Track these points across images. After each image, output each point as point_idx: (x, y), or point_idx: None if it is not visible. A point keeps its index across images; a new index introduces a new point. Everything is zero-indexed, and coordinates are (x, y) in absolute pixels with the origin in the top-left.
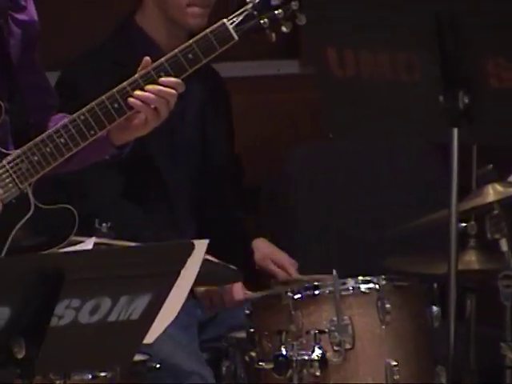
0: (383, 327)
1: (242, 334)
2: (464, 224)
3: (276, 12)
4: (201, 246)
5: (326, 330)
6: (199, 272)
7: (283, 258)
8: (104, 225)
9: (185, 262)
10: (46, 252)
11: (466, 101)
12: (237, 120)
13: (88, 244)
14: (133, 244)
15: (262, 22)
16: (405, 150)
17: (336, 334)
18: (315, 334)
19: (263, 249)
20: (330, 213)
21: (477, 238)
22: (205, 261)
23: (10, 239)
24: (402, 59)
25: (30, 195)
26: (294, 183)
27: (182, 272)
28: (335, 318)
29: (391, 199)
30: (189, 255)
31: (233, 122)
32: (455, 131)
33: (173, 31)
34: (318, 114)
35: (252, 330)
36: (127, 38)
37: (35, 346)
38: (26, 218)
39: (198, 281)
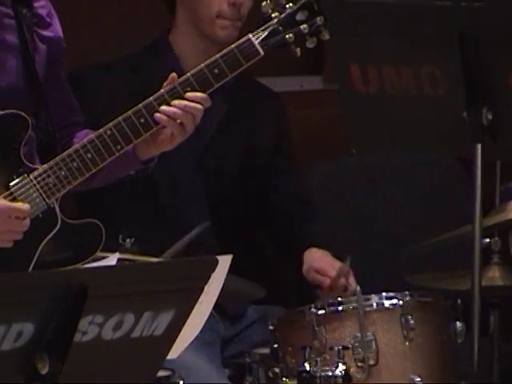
0: (407, 343)
1: (266, 350)
2: (488, 240)
3: (301, 27)
4: (224, 261)
5: (350, 346)
6: (222, 287)
7: (323, 263)
8: (128, 240)
9: (208, 278)
10: (69, 268)
11: (490, 117)
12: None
13: (112, 259)
14: (156, 259)
15: (287, 37)
16: (428, 166)
17: (360, 349)
18: (339, 349)
19: (308, 260)
20: (353, 228)
21: (500, 253)
22: (228, 276)
23: (37, 254)
24: (426, 75)
25: (57, 210)
26: (316, 198)
27: (206, 288)
28: (359, 334)
29: (413, 214)
30: (212, 271)
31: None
32: (479, 147)
33: (202, 47)
34: (340, 129)
35: (276, 345)
36: (153, 52)
37: (59, 361)
38: (53, 232)
39: (222, 296)
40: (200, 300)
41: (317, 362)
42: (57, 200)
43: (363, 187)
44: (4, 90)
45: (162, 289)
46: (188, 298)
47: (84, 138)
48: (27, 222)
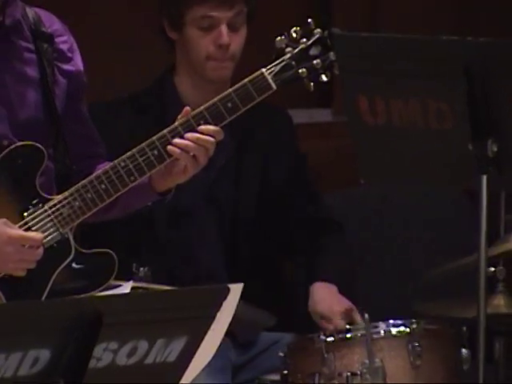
0: (414, 370)
1: (276, 377)
2: (493, 269)
3: (314, 62)
4: (236, 290)
5: (358, 373)
6: (234, 315)
7: (327, 308)
8: (141, 269)
9: (220, 306)
10: (84, 296)
11: (495, 149)
12: None
13: (126, 288)
14: (169, 288)
15: (300, 71)
16: (434, 197)
17: (368, 376)
18: (347, 376)
19: (314, 299)
20: (361, 257)
21: (505, 282)
22: (239, 305)
23: (50, 282)
24: (433, 108)
25: (71, 239)
26: None
27: (218, 315)
28: (367, 361)
29: (421, 244)
30: (224, 299)
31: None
32: (484, 178)
33: (199, 86)
34: (349, 160)
35: (286, 372)
36: (158, 91)
37: None
38: (67, 261)
39: (233, 324)
40: (212, 327)
41: None
42: (71, 230)
43: (370, 218)
44: (23, 122)
45: (175, 316)
46: (200, 325)
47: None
48: (40, 251)
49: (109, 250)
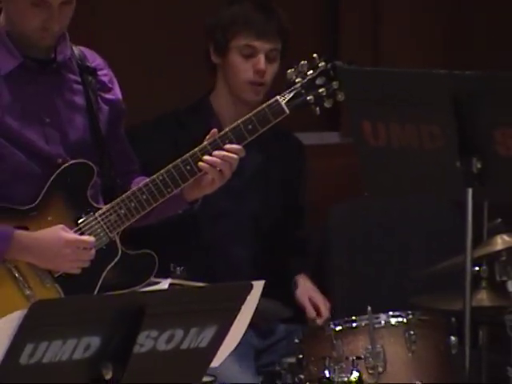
0: (410, 354)
1: (293, 360)
2: (477, 268)
3: (320, 90)
4: (258, 286)
5: (362, 357)
6: (256, 307)
7: (319, 298)
8: (178, 268)
9: (244, 300)
10: (130, 291)
11: (479, 166)
12: None
13: (164, 284)
14: (202, 284)
15: (308, 98)
16: (429, 207)
17: (370, 359)
18: (353, 359)
19: (304, 285)
20: (366, 259)
21: (488, 279)
22: (261, 299)
23: (101, 279)
24: (426, 131)
25: (118, 242)
26: (334, 236)
27: (242, 308)
28: (370, 347)
29: (417, 247)
30: (248, 294)
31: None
32: (470, 191)
33: (235, 107)
34: (356, 177)
35: (301, 356)
36: (196, 111)
37: (120, 369)
38: (115, 261)
39: (256, 315)
40: (238, 318)
41: (335, 369)
42: (117, 234)
43: (374, 227)
44: (73, 143)
45: (207, 308)
46: (228, 316)
47: (140, 182)
48: (93, 252)
49: (150, 251)
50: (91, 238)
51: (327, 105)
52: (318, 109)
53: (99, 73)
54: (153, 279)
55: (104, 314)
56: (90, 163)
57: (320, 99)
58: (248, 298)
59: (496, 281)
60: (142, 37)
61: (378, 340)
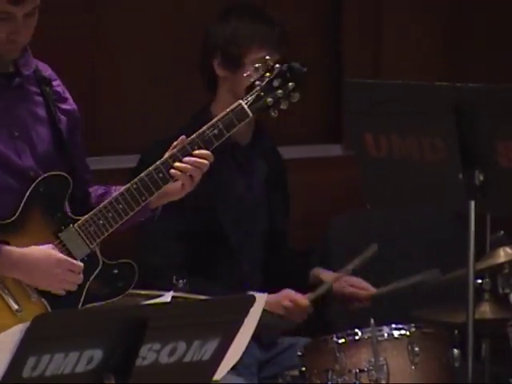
0: (413, 367)
1: (295, 373)
2: (480, 280)
3: (277, 92)
4: (261, 298)
5: (365, 369)
6: (259, 320)
7: (355, 279)
8: (180, 281)
9: (247, 312)
10: (132, 304)
11: (481, 178)
12: (291, 194)
13: (167, 297)
14: (205, 297)
15: (268, 100)
16: (429, 218)
17: (373, 372)
18: (356, 372)
19: (332, 275)
20: (366, 271)
21: (490, 292)
22: (263, 311)
23: (85, 291)
24: (427, 143)
25: (98, 253)
26: (334, 247)
27: (245, 320)
28: (373, 359)
29: (418, 258)
30: (251, 306)
31: (288, 193)
32: (472, 203)
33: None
34: (357, 189)
35: (303, 368)
36: (200, 123)
37: (123, 382)
38: (96, 272)
39: (258, 328)
40: (240, 331)
41: (338, 382)
42: (97, 245)
43: (375, 238)
44: (42, 155)
45: (209, 321)
46: (231, 328)
47: (97, 191)
48: (81, 276)
49: (130, 261)
50: (81, 264)
51: (283, 107)
52: (276, 112)
53: (53, 83)
54: (155, 292)
55: (106, 327)
56: (65, 174)
57: (278, 101)
58: (251, 310)
59: (499, 293)
60: (147, 46)
61: (381, 353)
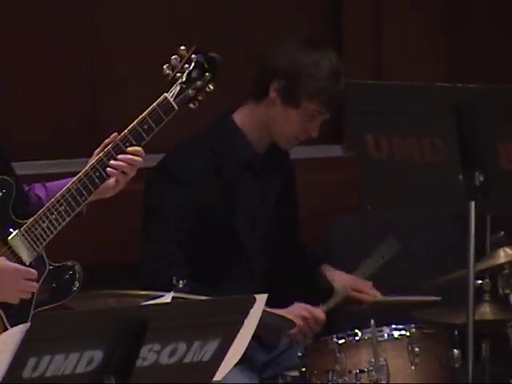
0: (413, 367)
1: (296, 373)
2: (480, 281)
3: (197, 83)
4: (261, 299)
5: (366, 370)
6: (259, 321)
7: (360, 282)
8: (181, 281)
9: (248, 313)
10: (133, 305)
11: (481, 179)
12: None
13: (167, 298)
14: (205, 298)
15: (190, 92)
16: (430, 219)
17: (374, 373)
18: (356, 373)
19: (339, 278)
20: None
21: (490, 293)
22: (264, 311)
23: (35, 296)
24: (427, 144)
25: (44, 256)
26: (335, 248)
27: (246, 321)
28: (373, 360)
29: (419, 260)
30: (251, 307)
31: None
32: (472, 204)
33: (264, 134)
34: (358, 189)
35: (304, 369)
36: (222, 130)
37: (123, 383)
38: (44, 276)
39: (258, 328)
40: (241, 331)
41: (338, 383)
42: (43, 247)
43: (375, 239)
44: None
45: (210, 322)
46: (231, 329)
47: (37, 190)
48: (36, 284)
49: (74, 262)
50: (35, 271)
51: (201, 97)
52: (195, 103)
53: None
54: (155, 293)
55: (107, 328)
56: (8, 178)
57: (197, 92)
58: (251, 311)
59: (499, 294)
60: (148, 45)
61: (381, 353)
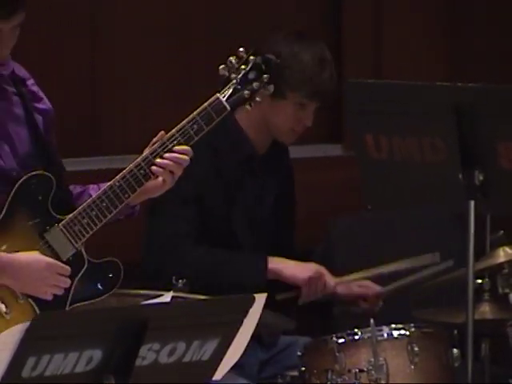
0: (412, 367)
1: (295, 373)
2: (479, 281)
3: (254, 85)
4: (260, 298)
5: (365, 369)
6: (259, 320)
7: (359, 282)
8: (180, 281)
9: (247, 313)
10: (132, 304)
11: (481, 178)
12: None
13: (167, 297)
14: (204, 297)
15: (245, 93)
16: (430, 220)
17: (373, 372)
18: (356, 372)
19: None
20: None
21: (490, 292)
22: (263, 311)
23: (72, 291)
24: (427, 144)
25: (83, 252)
26: (335, 248)
27: (245, 320)
28: (372, 359)
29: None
30: (250, 306)
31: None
32: (472, 203)
33: (264, 134)
34: (357, 189)
35: (303, 368)
36: (224, 128)
37: (123, 382)
38: (83, 271)
39: (258, 327)
40: (240, 331)
41: (337, 382)
42: (82, 244)
43: (375, 239)
44: (22, 155)
45: (209, 321)
46: (230, 328)
47: (75, 190)
48: (69, 281)
49: (115, 259)
50: (68, 267)
51: (258, 99)
52: (251, 104)
53: (28, 82)
54: (155, 292)
55: (106, 328)
56: (49, 174)
57: (254, 93)
58: (250, 310)
59: (498, 293)
60: (147, 45)
61: (381, 353)
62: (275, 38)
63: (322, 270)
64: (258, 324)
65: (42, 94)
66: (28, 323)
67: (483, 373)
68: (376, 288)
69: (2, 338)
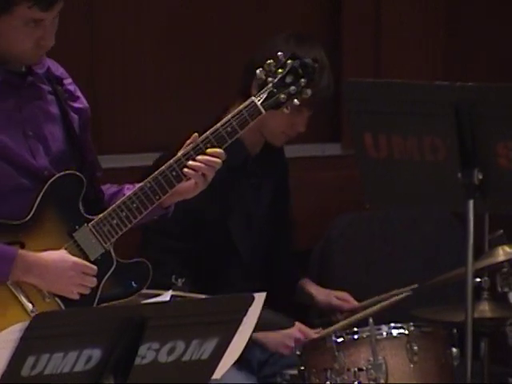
0: (411, 366)
1: (294, 372)
2: (478, 279)
3: (290, 89)
4: (260, 297)
5: (364, 368)
6: (258, 319)
7: (342, 293)
8: (179, 280)
9: (246, 311)
10: (130, 303)
11: (480, 177)
12: (291, 194)
13: (166, 296)
14: (204, 296)
15: (281, 97)
16: (429, 218)
17: (372, 371)
18: (355, 371)
19: (319, 292)
20: (367, 271)
21: (489, 291)
22: (263, 310)
23: (99, 290)
24: (427, 143)
25: (112, 252)
26: (335, 247)
27: (244, 319)
28: (371, 358)
29: (418, 259)
30: (250, 305)
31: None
32: (471, 202)
33: (257, 134)
34: (356, 188)
35: (302, 367)
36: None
37: (122, 381)
38: (111, 271)
39: (257, 326)
40: (239, 330)
41: (337, 381)
42: (111, 244)
43: (375, 238)
44: (56, 154)
45: (208, 320)
46: (229, 327)
47: (108, 190)
48: (95, 280)
49: (144, 260)
50: (95, 267)
51: (296, 103)
52: (289, 108)
53: (65, 82)
54: (154, 291)
55: (105, 327)
56: (79, 174)
57: (291, 97)
58: (249, 309)
59: (497, 292)
60: (147, 45)
61: (380, 352)
62: (275, 40)
63: (297, 333)
64: (256, 323)
65: (78, 93)
66: (27, 322)
67: (482, 372)
68: (353, 302)
69: (1, 337)
